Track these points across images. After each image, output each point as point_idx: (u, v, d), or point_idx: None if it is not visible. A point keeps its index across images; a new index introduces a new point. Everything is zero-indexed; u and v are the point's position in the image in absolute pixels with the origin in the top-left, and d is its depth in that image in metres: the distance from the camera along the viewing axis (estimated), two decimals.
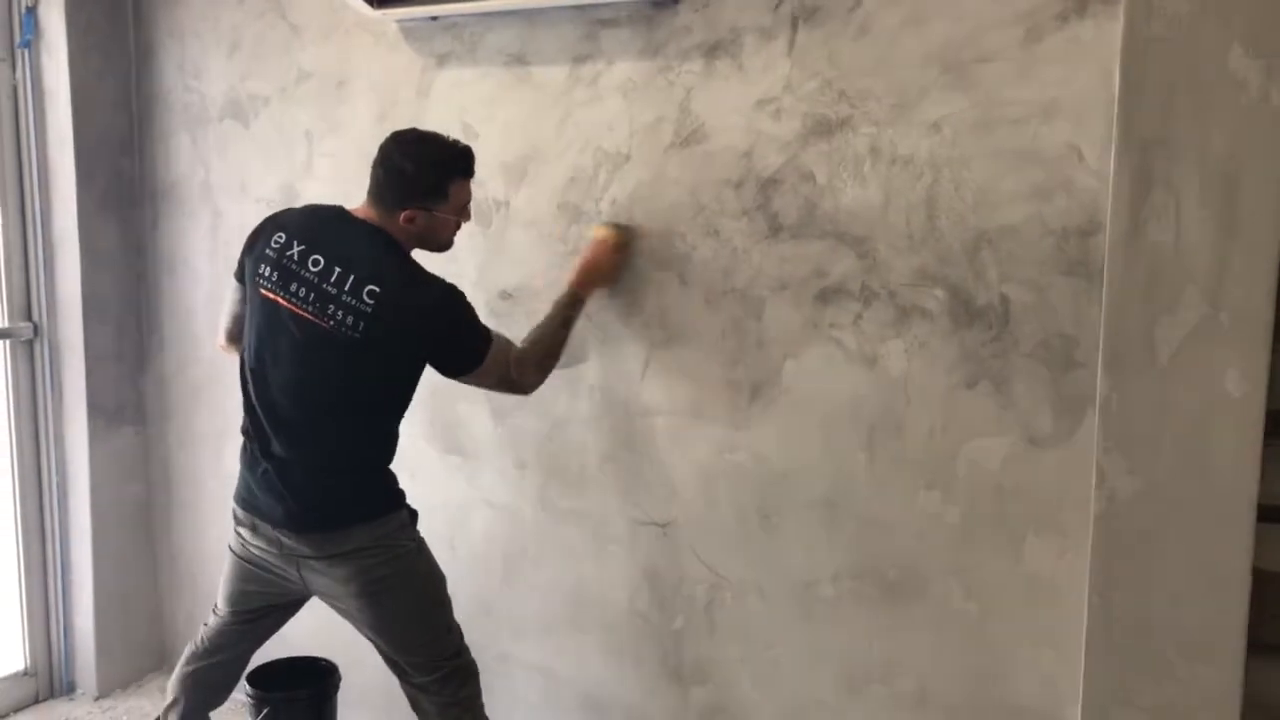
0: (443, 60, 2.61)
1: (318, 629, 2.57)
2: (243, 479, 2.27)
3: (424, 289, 2.12)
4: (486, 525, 2.71)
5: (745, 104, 2.26)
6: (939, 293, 2.13)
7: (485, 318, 2.58)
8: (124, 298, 3.13)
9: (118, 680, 3.21)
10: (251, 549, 2.27)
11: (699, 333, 2.38)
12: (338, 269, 2.09)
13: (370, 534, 2.18)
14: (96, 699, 3.16)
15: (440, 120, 2.58)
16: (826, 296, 2.24)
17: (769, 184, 2.26)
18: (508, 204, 2.55)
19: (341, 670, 2.60)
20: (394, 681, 2.32)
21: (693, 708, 2.51)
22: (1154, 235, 1.72)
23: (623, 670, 2.59)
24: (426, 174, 2.15)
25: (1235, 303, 1.68)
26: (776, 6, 2.21)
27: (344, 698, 2.60)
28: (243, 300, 2.24)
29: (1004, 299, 2.07)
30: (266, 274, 2.14)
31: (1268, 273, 1.66)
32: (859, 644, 2.31)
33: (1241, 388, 1.68)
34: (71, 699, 3.18)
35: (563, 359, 2.34)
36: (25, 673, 3.17)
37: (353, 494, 2.19)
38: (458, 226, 2.25)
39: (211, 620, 2.41)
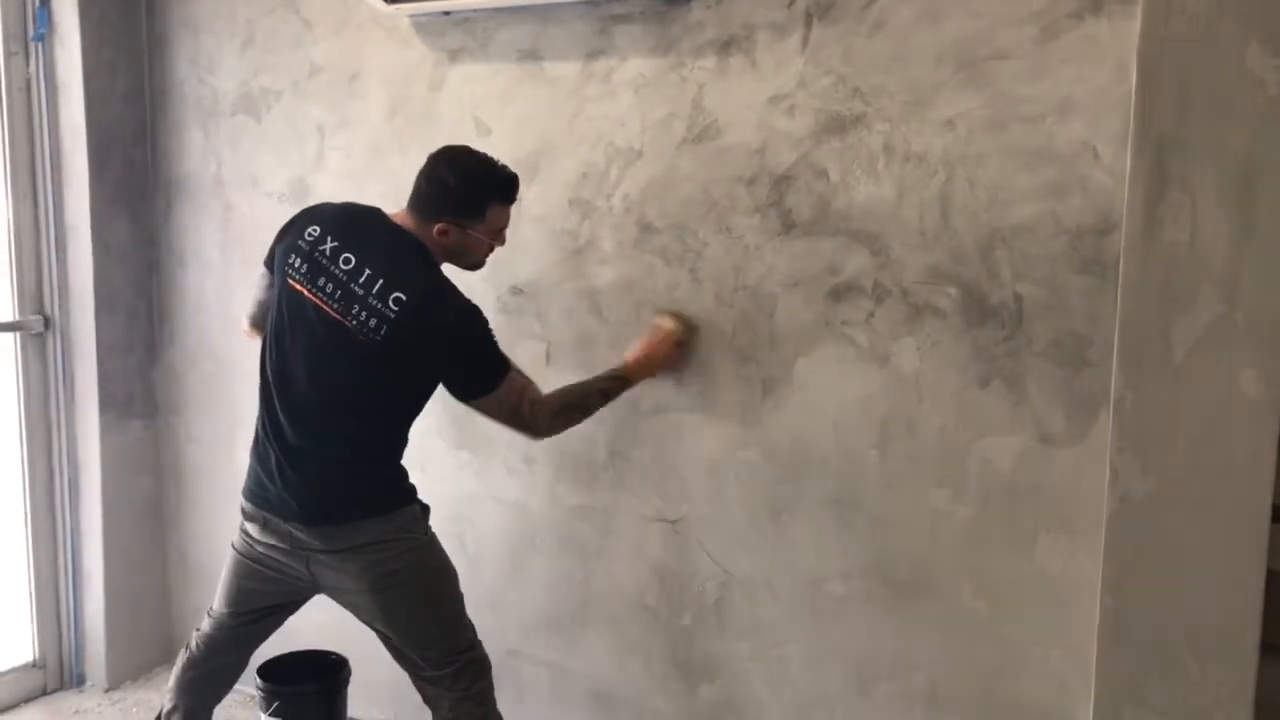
0: (455, 55, 2.61)
1: (328, 623, 2.57)
2: (253, 472, 2.27)
3: (449, 304, 2.12)
4: (496, 520, 2.72)
5: (758, 100, 2.26)
6: (952, 291, 2.13)
7: (496, 314, 2.61)
8: (135, 290, 3.14)
9: (127, 672, 3.22)
10: (257, 546, 2.26)
11: (710, 329, 2.38)
12: (368, 270, 2.09)
13: (382, 528, 2.18)
14: (106, 691, 3.16)
15: (452, 115, 2.59)
16: (839, 294, 2.24)
17: (782, 181, 2.26)
18: (520, 199, 2.54)
19: (351, 664, 2.61)
20: (403, 675, 2.32)
21: (701, 705, 2.51)
22: (1170, 234, 1.71)
23: (631, 667, 2.59)
24: (467, 191, 2.15)
25: (1251, 302, 1.67)
26: (790, 3, 2.21)
27: (354, 692, 2.60)
28: (269, 287, 2.25)
29: (1017, 297, 2.07)
30: (296, 265, 2.14)
31: None
32: (869, 642, 2.30)
33: (1257, 388, 1.68)
34: (81, 691, 3.19)
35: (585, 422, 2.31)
36: (34, 664, 3.18)
37: (364, 488, 2.19)
38: (491, 249, 2.24)
39: (206, 624, 2.38)
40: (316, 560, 2.20)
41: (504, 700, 2.36)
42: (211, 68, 2.99)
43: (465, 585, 2.35)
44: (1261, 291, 1.66)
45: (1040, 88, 2.01)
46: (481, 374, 2.15)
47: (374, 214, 2.20)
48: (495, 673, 2.35)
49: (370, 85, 2.74)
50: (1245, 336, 1.68)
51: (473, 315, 2.13)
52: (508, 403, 2.17)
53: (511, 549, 2.71)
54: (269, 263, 2.25)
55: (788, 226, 2.27)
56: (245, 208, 2.99)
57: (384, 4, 2.55)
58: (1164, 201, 1.71)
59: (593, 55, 2.43)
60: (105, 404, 3.07)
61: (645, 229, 2.41)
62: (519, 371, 2.20)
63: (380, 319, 2.06)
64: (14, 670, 3.13)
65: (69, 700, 3.14)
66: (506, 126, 2.55)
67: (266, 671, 2.44)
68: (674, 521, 2.49)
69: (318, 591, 2.29)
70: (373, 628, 2.27)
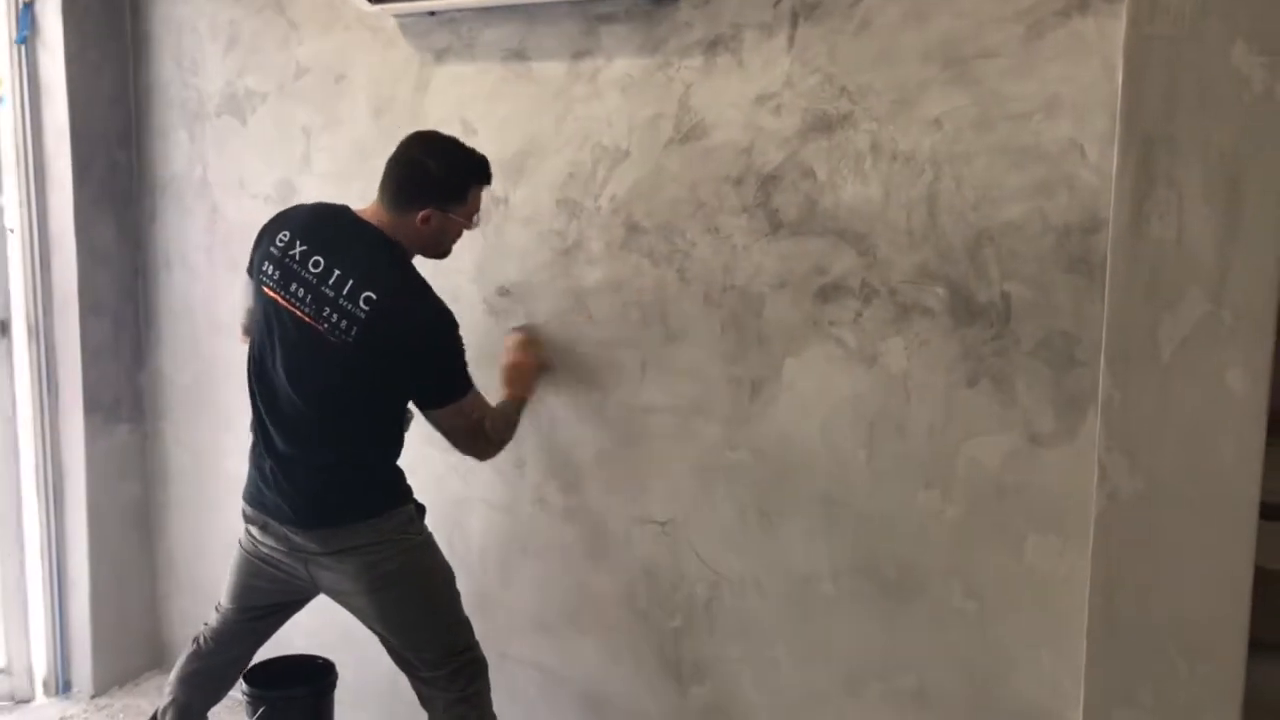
0: (441, 56, 2.60)
1: (315, 627, 2.56)
2: (251, 477, 2.28)
3: (421, 303, 2.11)
4: (484, 524, 2.70)
5: (745, 100, 2.25)
6: (940, 290, 2.12)
7: (483, 315, 2.61)
8: (121, 294, 3.12)
9: (114, 678, 3.20)
10: (261, 547, 2.27)
11: (699, 330, 2.37)
12: (338, 271, 2.08)
13: (377, 529, 2.18)
14: (92, 697, 3.14)
15: (439, 116, 2.57)
16: (827, 294, 2.23)
17: (769, 180, 2.25)
18: (506, 200, 2.54)
19: (339, 669, 2.59)
20: (391, 680, 2.32)
21: (692, 706, 2.51)
22: (1157, 232, 1.71)
23: (621, 669, 2.58)
24: (451, 174, 2.16)
25: (1238, 300, 1.67)
26: (777, 3, 2.20)
27: (341, 696, 2.59)
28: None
29: (1005, 296, 2.06)
30: (269, 272, 2.14)
31: (1271, 270, 1.65)
32: (858, 642, 2.30)
33: (1244, 386, 1.67)
34: (67, 697, 3.17)
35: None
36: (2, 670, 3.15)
37: (358, 490, 2.18)
38: (459, 234, 2.24)
39: (214, 619, 2.41)
40: (314, 562, 2.20)
41: (495, 703, 2.35)
42: (196, 69, 2.97)
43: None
44: (1248, 289, 1.66)
45: (1027, 86, 2.00)
46: (453, 379, 2.14)
47: (342, 213, 2.19)
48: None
49: (356, 86, 2.73)
50: (1232, 334, 1.67)
51: (446, 315, 2.13)
52: (473, 415, 2.17)
53: (501, 552, 2.70)
54: (250, 271, 2.24)
55: (775, 226, 2.26)
56: (231, 210, 2.97)
57: (369, 4, 2.54)
58: (1151, 199, 1.71)
59: (579, 55, 2.42)
60: (91, 407, 3.05)
61: (633, 229, 2.40)
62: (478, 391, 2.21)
63: (351, 320, 2.05)
64: None
65: (55, 707, 3.12)
66: (493, 127, 2.54)
67: (252, 676, 2.42)
68: (663, 523, 2.48)
69: (319, 591, 2.29)
70: (371, 628, 2.26)
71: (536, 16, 2.45)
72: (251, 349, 2.22)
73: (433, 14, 2.54)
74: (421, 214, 2.13)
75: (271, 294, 2.13)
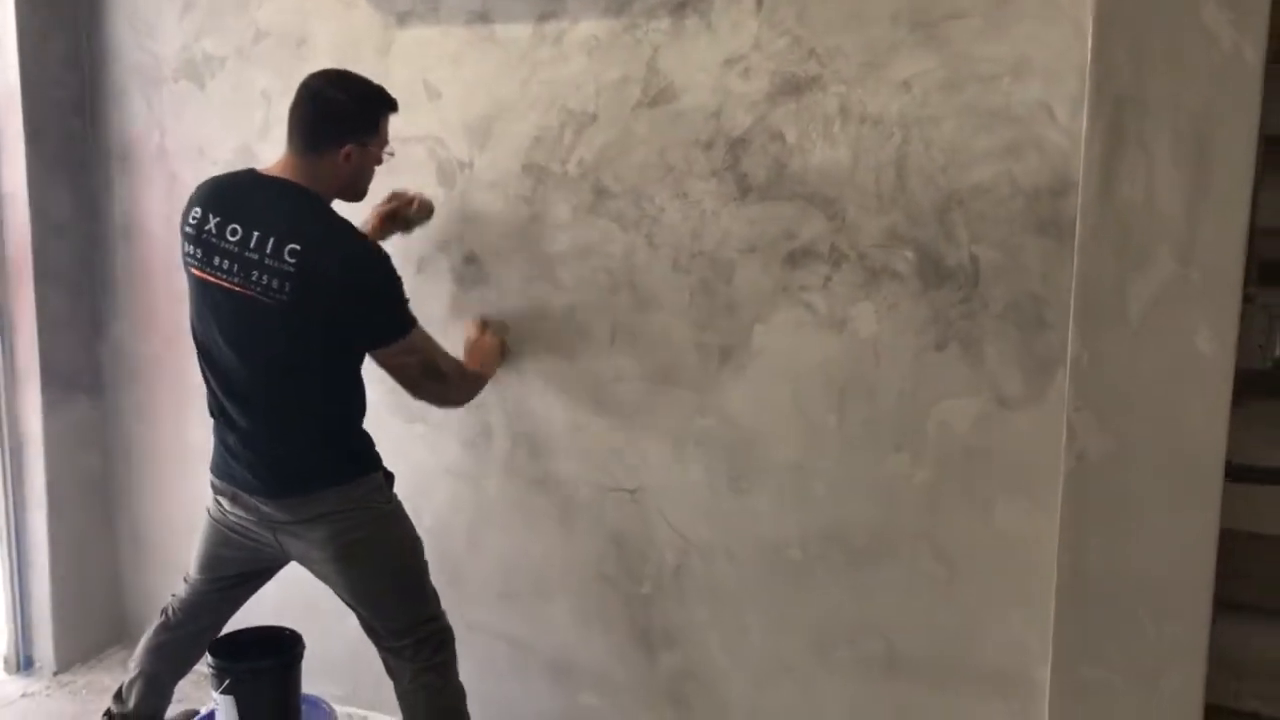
0: (403, 19, 2.54)
1: (282, 599, 2.53)
2: (216, 449, 2.25)
3: (347, 242, 2.06)
4: (452, 494, 2.68)
5: (714, 63, 2.22)
6: (909, 254, 2.11)
7: (450, 284, 2.57)
8: (78, 263, 3.05)
9: (77, 654, 3.15)
10: (230, 516, 2.25)
11: (668, 296, 2.35)
12: (255, 233, 2.03)
13: (344, 497, 2.15)
14: (55, 674, 3.10)
15: (402, 79, 2.52)
16: (796, 259, 2.22)
17: (738, 144, 2.23)
18: (471, 165, 2.50)
19: (305, 639, 2.56)
20: (359, 650, 2.30)
21: (661, 673, 2.50)
22: (1126, 193, 1.70)
23: (591, 637, 2.57)
24: (361, 106, 2.14)
25: (1206, 260, 1.67)
26: None
27: (308, 667, 2.56)
28: None
29: (974, 259, 2.06)
30: (191, 252, 2.11)
31: (1238, 230, 1.65)
32: (828, 607, 2.30)
33: (1212, 346, 1.68)
34: (29, 674, 3.12)
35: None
36: None
37: (322, 457, 2.16)
38: (373, 171, 2.21)
39: (182, 590, 2.39)
40: (283, 530, 2.19)
41: (463, 673, 2.34)
42: (151, 33, 2.90)
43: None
44: (1216, 249, 1.66)
45: (997, 48, 1.99)
46: (392, 315, 2.09)
47: (247, 176, 2.16)
48: (456, 645, 2.33)
49: (318, 50, 2.67)
50: (1200, 295, 1.68)
51: (375, 251, 2.09)
52: (422, 352, 2.14)
53: (469, 522, 2.67)
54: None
55: (744, 191, 2.24)
56: (190, 177, 2.88)
57: None
58: (1120, 160, 1.70)
59: (544, 17, 2.38)
60: (48, 379, 2.98)
61: (601, 194, 2.38)
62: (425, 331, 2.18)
63: (281, 277, 2.01)
64: None
65: (17, 683, 3.07)
66: (457, 91, 2.50)
67: (218, 649, 2.39)
68: (632, 491, 2.46)
69: (289, 560, 2.27)
70: (339, 596, 2.25)
71: None
72: (195, 335, 2.19)
73: None
74: (343, 151, 2.09)
75: (200, 274, 2.10)
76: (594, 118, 2.36)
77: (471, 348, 2.43)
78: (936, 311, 2.11)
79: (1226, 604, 1.80)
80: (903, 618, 2.23)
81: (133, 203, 3.01)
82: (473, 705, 2.33)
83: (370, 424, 2.25)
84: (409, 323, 2.12)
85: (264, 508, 2.17)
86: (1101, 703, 1.81)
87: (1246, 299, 1.69)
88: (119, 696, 2.45)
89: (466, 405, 2.40)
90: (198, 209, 2.12)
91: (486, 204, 2.51)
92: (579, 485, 2.52)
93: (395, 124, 2.22)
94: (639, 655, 2.52)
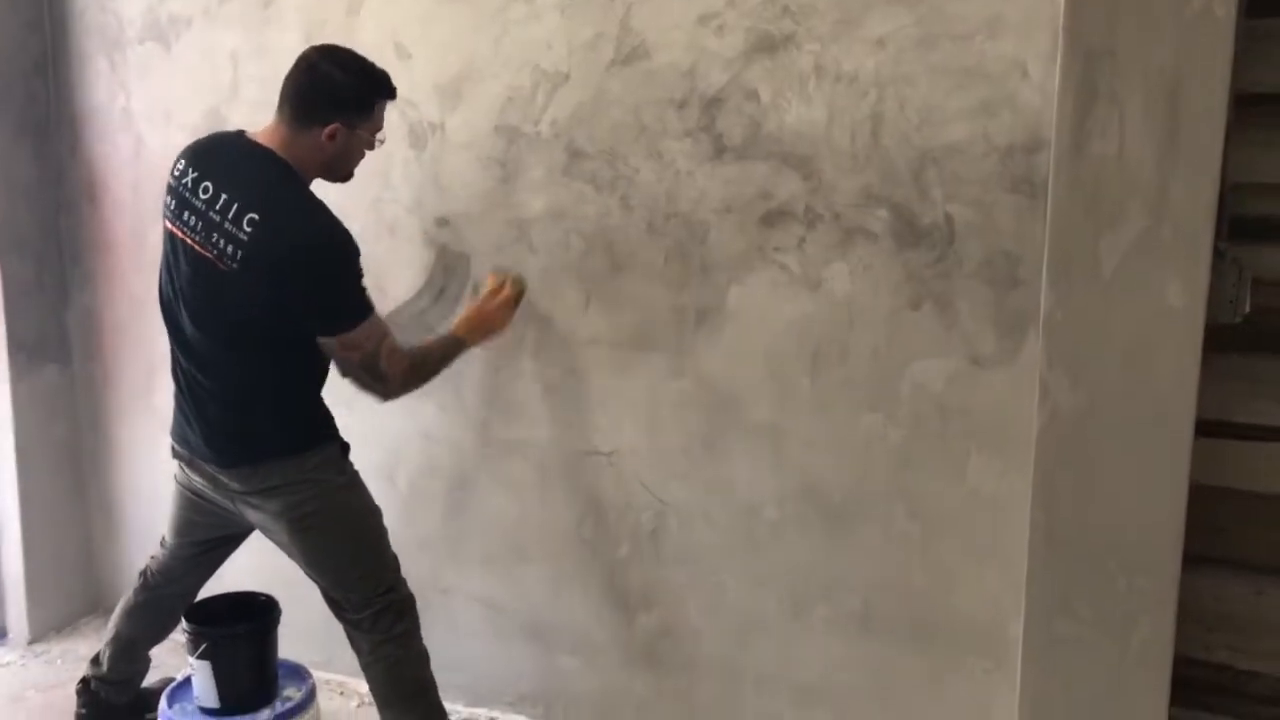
0: None
1: (257, 565, 2.52)
2: (175, 415, 2.24)
3: (308, 223, 2.01)
4: (427, 458, 2.67)
5: (687, 20, 2.20)
6: (883, 213, 2.11)
7: (421, 247, 2.55)
8: (43, 229, 3.00)
9: (51, 624, 3.14)
10: (193, 482, 2.25)
11: (642, 259, 2.34)
12: (223, 195, 2.00)
13: (297, 467, 2.13)
14: (29, 643, 3.08)
15: (371, 40, 2.48)
16: (771, 219, 2.21)
17: (712, 103, 2.21)
18: (443, 126, 2.47)
19: (282, 605, 2.56)
20: (333, 617, 2.29)
21: (639, 634, 2.52)
22: (1098, 149, 1.70)
23: (569, 599, 2.58)
24: (357, 84, 2.09)
25: (1177, 215, 1.67)
26: None
27: (285, 632, 2.55)
28: None
29: (948, 218, 2.06)
30: (168, 204, 2.09)
31: (1209, 185, 1.66)
32: (804, 566, 2.32)
33: (1182, 300, 1.69)
34: (3, 644, 3.10)
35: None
36: None
37: (274, 427, 2.13)
38: (362, 155, 2.17)
39: (159, 553, 2.39)
40: (240, 499, 2.18)
41: (439, 638, 2.34)
42: None
43: (397, 524, 2.32)
44: (1187, 204, 1.66)
45: (970, 5, 1.98)
46: (343, 305, 2.03)
47: (235, 138, 2.13)
48: (430, 612, 2.34)
49: (285, 10, 2.63)
50: (1171, 250, 1.68)
51: (339, 235, 2.03)
52: (366, 347, 2.05)
53: (444, 486, 2.67)
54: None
55: (719, 151, 2.23)
56: (158, 141, 2.86)
57: None
58: (1092, 116, 1.70)
59: None
60: (14, 347, 2.95)
61: (575, 155, 2.36)
62: (381, 320, 2.10)
63: (236, 244, 1.98)
64: None
65: None
66: (428, 51, 2.46)
67: (194, 614, 2.38)
68: (608, 454, 2.46)
69: (253, 527, 2.26)
70: (300, 567, 2.24)
71: None
72: (160, 292, 2.16)
73: None
74: (328, 129, 2.05)
75: (170, 227, 2.08)
76: (567, 77, 2.33)
77: (477, 310, 2.33)
78: (911, 271, 2.11)
79: (1197, 558, 1.82)
80: (878, 576, 2.25)
81: (98, 166, 2.97)
82: (450, 669, 2.33)
83: (345, 387, 2.23)
84: (357, 315, 2.04)
85: (220, 476, 2.16)
86: (1073, 656, 1.83)
87: (1217, 254, 1.70)
88: (95, 661, 2.45)
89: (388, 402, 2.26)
90: (183, 161, 2.10)
91: (458, 166, 2.48)
92: (555, 448, 2.52)
93: None
94: (617, 616, 2.53)
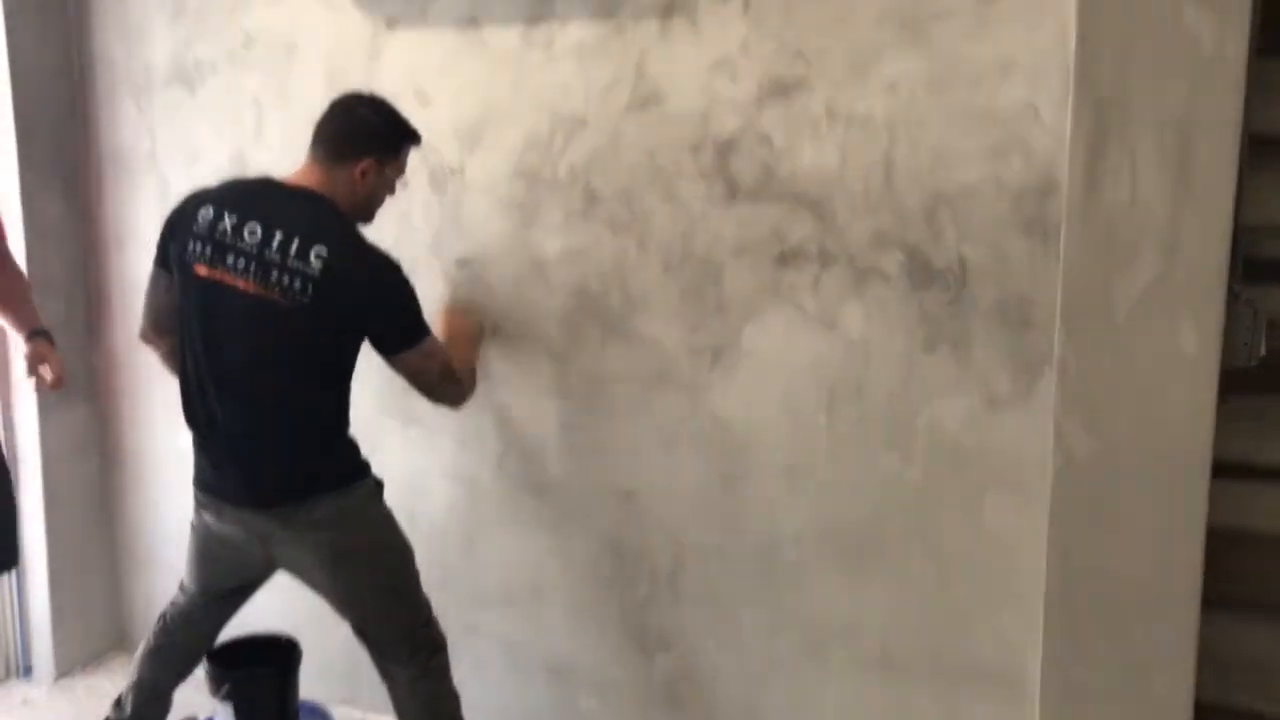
0: (393, 23, 2.55)
1: (278, 605, 2.54)
2: (198, 464, 2.25)
3: (372, 250, 2.10)
4: (446, 496, 2.69)
5: (701, 65, 2.23)
6: (897, 255, 2.12)
7: (443, 287, 2.58)
8: (71, 271, 3.05)
9: (76, 660, 3.16)
10: (216, 530, 2.25)
11: (659, 299, 2.36)
12: (277, 234, 2.04)
13: (336, 505, 2.15)
14: (56, 679, 3.11)
15: (392, 85, 2.52)
16: (785, 260, 2.23)
17: (726, 147, 2.23)
18: (462, 170, 2.51)
19: (304, 647, 2.58)
20: (360, 653, 2.30)
21: (658, 674, 2.52)
22: (1110, 193, 1.71)
23: (587, 639, 2.58)
24: (390, 129, 2.19)
25: (1190, 259, 1.68)
26: None
27: (307, 673, 2.57)
28: (169, 288, 2.18)
29: (962, 260, 2.07)
30: (199, 251, 2.09)
31: (1222, 228, 1.66)
32: (821, 606, 2.31)
33: (1196, 345, 1.69)
34: (29, 680, 3.13)
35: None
36: None
37: (315, 465, 2.16)
38: (385, 197, 2.25)
39: (179, 598, 2.39)
40: (273, 540, 2.18)
41: (460, 675, 2.35)
42: (141, 38, 2.90)
43: (419, 562, 2.33)
44: (1200, 247, 1.67)
45: (982, 48, 2.00)
46: (412, 322, 2.13)
47: (266, 182, 2.18)
48: (451, 649, 2.34)
49: (308, 55, 2.68)
50: (1185, 293, 1.69)
51: (395, 266, 2.12)
52: (437, 357, 2.17)
53: (464, 524, 2.68)
54: (163, 262, 2.19)
55: (733, 193, 2.25)
56: (183, 184, 2.90)
57: None
58: (1104, 161, 1.71)
59: (533, 21, 2.38)
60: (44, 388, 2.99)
61: (592, 198, 2.38)
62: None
63: (304, 279, 2.02)
64: None
65: (17, 690, 3.08)
66: (448, 96, 2.50)
67: (216, 656, 2.41)
68: (626, 492, 2.47)
69: (276, 570, 2.27)
70: (331, 605, 2.25)
71: None
72: (186, 338, 2.15)
73: None
74: (361, 166, 2.13)
75: (206, 272, 2.08)
76: (584, 122, 2.36)
77: (455, 336, 2.42)
78: (925, 312, 2.11)
79: (1215, 602, 1.81)
80: (896, 617, 2.25)
81: (124, 209, 3.02)
82: (470, 708, 2.33)
83: (366, 427, 2.27)
84: (427, 330, 2.15)
85: (252, 520, 2.17)
86: (1092, 703, 1.82)
87: (1232, 296, 1.70)
88: (118, 704, 2.46)
89: (462, 408, 2.40)
90: (208, 207, 2.11)
91: (478, 208, 2.51)
92: (573, 487, 2.53)
93: None
94: (636, 657, 2.54)
